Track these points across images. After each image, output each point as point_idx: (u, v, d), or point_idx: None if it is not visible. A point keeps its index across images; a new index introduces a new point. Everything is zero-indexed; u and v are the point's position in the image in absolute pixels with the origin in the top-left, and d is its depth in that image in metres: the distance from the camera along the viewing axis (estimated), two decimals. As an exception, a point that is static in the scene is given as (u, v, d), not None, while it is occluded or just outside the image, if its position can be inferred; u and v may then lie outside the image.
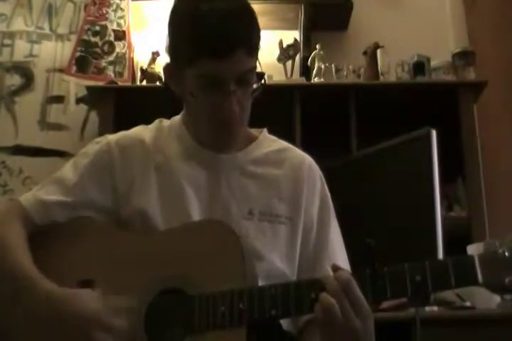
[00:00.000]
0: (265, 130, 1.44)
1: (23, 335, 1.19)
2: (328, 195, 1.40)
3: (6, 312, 1.21)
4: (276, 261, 1.28)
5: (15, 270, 1.21)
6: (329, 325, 1.06)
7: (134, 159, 1.35)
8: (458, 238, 2.13)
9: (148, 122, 1.45)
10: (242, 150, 1.37)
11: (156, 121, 1.44)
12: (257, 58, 1.28)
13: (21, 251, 1.25)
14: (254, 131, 1.42)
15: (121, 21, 3.15)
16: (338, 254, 1.33)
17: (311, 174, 1.39)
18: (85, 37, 3.13)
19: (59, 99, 3.24)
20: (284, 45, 3.12)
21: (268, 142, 1.42)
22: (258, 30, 1.27)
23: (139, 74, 3.10)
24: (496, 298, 2.18)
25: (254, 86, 1.27)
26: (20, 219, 1.30)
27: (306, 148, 1.51)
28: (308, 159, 1.42)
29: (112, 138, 1.39)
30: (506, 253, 1.03)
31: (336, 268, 1.11)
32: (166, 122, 1.43)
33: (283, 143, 1.44)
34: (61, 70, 3.22)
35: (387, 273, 1.08)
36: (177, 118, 1.42)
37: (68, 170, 1.36)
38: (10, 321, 1.20)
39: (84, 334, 1.12)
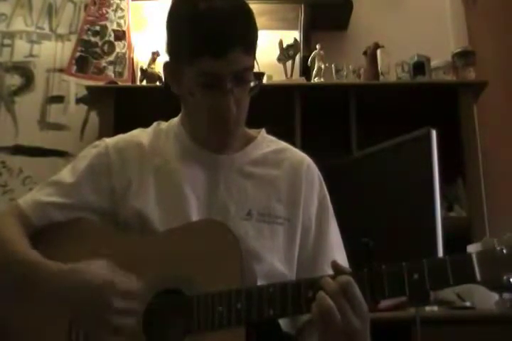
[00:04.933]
0: (263, 130, 1.44)
1: (28, 319, 1.22)
2: (327, 195, 1.40)
3: (10, 299, 1.23)
4: (275, 261, 1.28)
5: (18, 258, 1.24)
6: (327, 324, 1.06)
7: (132, 161, 1.35)
8: (458, 238, 2.13)
9: (148, 122, 1.45)
10: (241, 150, 1.37)
11: (154, 124, 1.44)
12: (254, 57, 1.28)
13: (23, 243, 1.27)
14: (252, 132, 1.42)
15: (121, 21, 3.15)
16: (337, 255, 1.33)
17: (310, 175, 1.39)
18: (85, 37, 3.13)
19: (59, 99, 3.24)
20: (284, 45, 3.12)
21: (266, 142, 1.41)
22: (255, 29, 1.27)
23: (139, 74, 3.10)
24: (495, 297, 2.18)
25: (252, 84, 1.27)
26: (18, 220, 1.31)
27: (306, 148, 1.51)
28: (306, 159, 1.42)
29: (109, 141, 1.40)
30: (504, 251, 1.03)
31: (335, 266, 1.11)
32: (163, 124, 1.43)
33: (281, 144, 1.43)
34: (61, 70, 3.22)
35: (384, 272, 1.07)
36: (175, 120, 1.43)
37: (66, 173, 1.37)
38: (13, 308, 1.23)
39: (100, 301, 1.14)
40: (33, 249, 1.26)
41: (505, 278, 1.01)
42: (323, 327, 1.08)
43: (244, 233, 1.26)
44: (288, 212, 1.33)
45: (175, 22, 1.28)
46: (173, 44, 1.29)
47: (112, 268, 1.18)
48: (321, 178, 1.41)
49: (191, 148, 1.36)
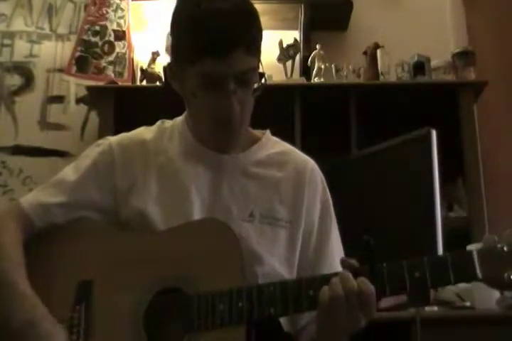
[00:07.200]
0: (268, 131, 1.43)
1: None
2: (330, 199, 1.39)
3: None
4: (275, 264, 1.28)
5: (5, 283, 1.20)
6: (330, 311, 1.07)
7: (135, 160, 1.35)
8: (458, 238, 2.12)
9: (148, 122, 1.45)
10: (245, 151, 1.36)
11: (158, 122, 1.43)
12: (258, 58, 1.27)
13: (15, 263, 1.23)
14: (257, 132, 1.42)
15: (121, 21, 3.15)
16: (338, 260, 1.33)
17: (313, 178, 1.38)
18: (85, 37, 3.13)
19: (59, 99, 3.24)
20: (284, 45, 3.12)
21: (271, 144, 1.41)
22: (259, 30, 1.26)
23: (139, 74, 3.10)
24: (495, 296, 2.18)
25: (255, 85, 1.26)
26: (19, 222, 1.29)
27: (306, 148, 1.51)
28: (310, 162, 1.41)
29: (113, 139, 1.39)
30: (505, 248, 1.04)
31: (344, 262, 1.11)
32: (168, 123, 1.42)
33: (286, 146, 1.43)
34: (61, 70, 3.22)
35: (385, 270, 1.08)
36: (179, 118, 1.42)
37: (69, 172, 1.36)
38: None
39: None
40: (29, 260, 1.24)
41: (506, 275, 1.02)
42: (326, 312, 1.08)
43: (246, 234, 1.26)
44: (290, 215, 1.32)
45: (177, 23, 1.27)
46: (176, 45, 1.28)
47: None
48: (324, 182, 1.40)
49: (195, 147, 1.36)
